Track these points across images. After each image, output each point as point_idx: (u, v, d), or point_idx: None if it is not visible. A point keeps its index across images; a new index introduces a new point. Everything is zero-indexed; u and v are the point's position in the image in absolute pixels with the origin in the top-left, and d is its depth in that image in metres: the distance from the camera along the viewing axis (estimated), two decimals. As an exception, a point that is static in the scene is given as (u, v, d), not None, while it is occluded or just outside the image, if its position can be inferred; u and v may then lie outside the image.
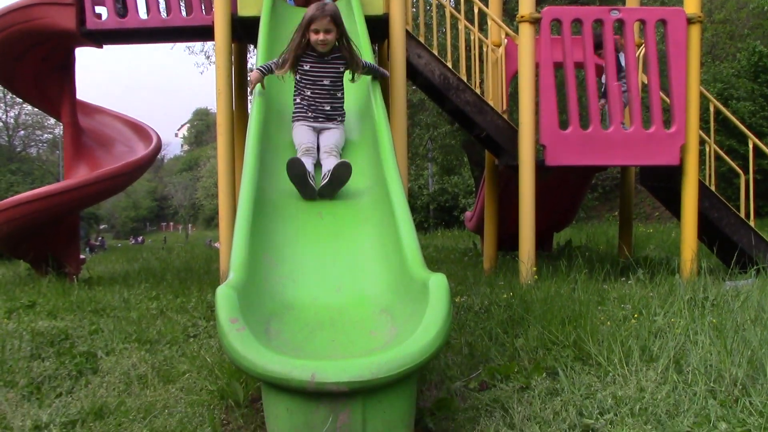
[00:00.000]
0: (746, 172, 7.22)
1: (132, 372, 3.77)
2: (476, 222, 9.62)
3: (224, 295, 2.78)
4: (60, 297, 5.86)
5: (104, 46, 7.60)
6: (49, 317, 5.15)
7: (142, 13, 7.16)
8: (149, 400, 3.36)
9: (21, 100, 29.44)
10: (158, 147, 8.36)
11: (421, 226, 25.15)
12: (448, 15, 7.47)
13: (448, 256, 10.28)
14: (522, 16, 6.29)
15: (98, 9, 7.16)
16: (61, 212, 7.38)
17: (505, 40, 7.76)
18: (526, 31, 6.32)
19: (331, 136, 4.49)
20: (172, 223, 75.62)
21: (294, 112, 4.57)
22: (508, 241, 8.27)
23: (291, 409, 2.49)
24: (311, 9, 4.44)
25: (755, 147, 7.28)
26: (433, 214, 26.51)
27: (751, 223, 6.95)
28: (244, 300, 2.87)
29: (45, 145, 46.65)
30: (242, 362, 2.53)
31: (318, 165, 4.33)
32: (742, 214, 6.96)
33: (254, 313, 2.97)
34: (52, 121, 36.20)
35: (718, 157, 7.56)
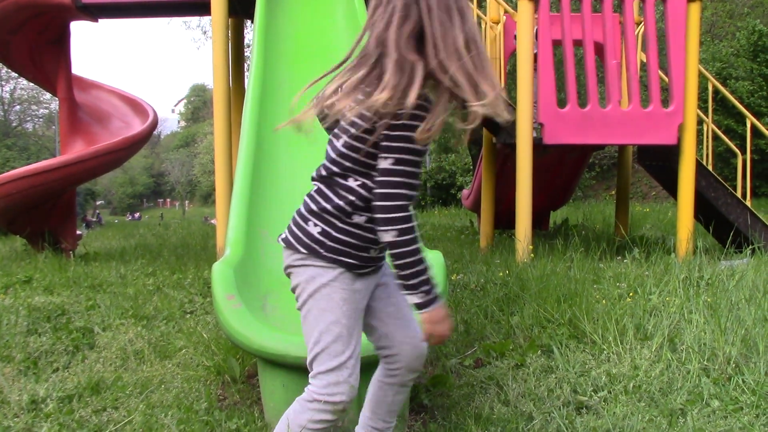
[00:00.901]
0: (744, 152, 7.22)
1: (129, 347, 3.78)
2: (473, 200, 9.62)
3: (220, 272, 2.79)
4: (56, 272, 5.86)
5: (99, 20, 7.54)
6: (45, 293, 5.16)
7: (138, -13, 7.09)
8: (146, 376, 3.38)
9: (17, 75, 29.29)
10: (155, 123, 8.31)
11: (418, 204, 25.18)
12: (446, -9, 7.41)
13: (445, 233, 10.28)
14: (521, -7, 6.26)
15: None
16: (57, 188, 7.35)
17: (504, 17, 7.71)
18: (524, 8, 6.28)
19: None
20: (169, 200, 75.66)
21: (341, 249, 1.99)
22: (504, 220, 8.27)
23: (287, 385, 2.50)
24: None
25: (753, 127, 7.28)
26: (430, 192, 26.50)
27: (748, 203, 6.96)
28: (241, 276, 2.87)
29: (41, 120, 46.47)
30: (238, 338, 2.54)
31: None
32: (739, 194, 6.97)
33: (251, 289, 2.98)
34: (48, 95, 36.07)
35: (715, 137, 7.55)
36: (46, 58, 7.92)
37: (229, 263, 2.90)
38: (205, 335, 3.81)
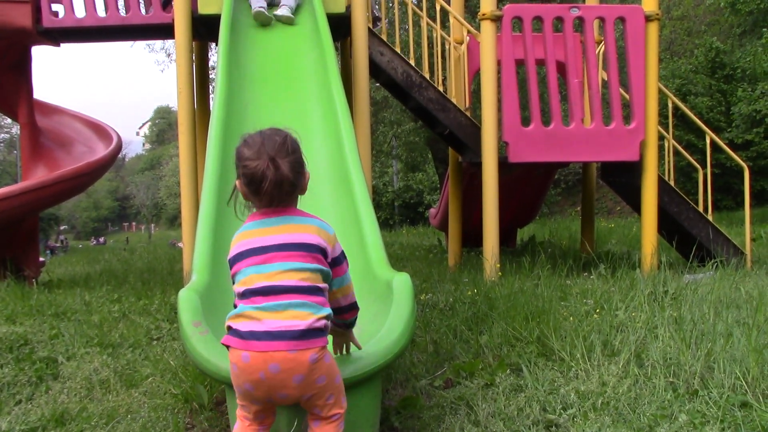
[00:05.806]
0: (704, 167, 7.35)
1: (94, 377, 3.71)
2: (441, 219, 9.66)
3: (186, 299, 2.75)
4: (19, 301, 5.73)
5: (61, 45, 7.47)
6: (7, 322, 5.04)
7: (100, 11, 7.04)
8: (112, 405, 3.32)
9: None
10: (118, 147, 8.24)
11: (386, 223, 25.22)
12: (410, 12, 7.49)
13: (413, 253, 10.30)
14: (483, 14, 6.33)
15: (55, 7, 7.04)
16: (19, 214, 7.23)
17: (467, 38, 7.79)
18: (487, 28, 6.36)
19: None
20: (134, 223, 74.77)
21: None
22: (472, 238, 8.31)
23: (255, 411, 2.47)
24: None
25: (712, 142, 7.41)
26: (398, 211, 26.60)
27: (709, 217, 7.07)
28: (208, 302, 2.84)
29: (2, 145, 45.78)
30: (206, 366, 2.50)
31: None
32: (701, 208, 7.09)
33: (218, 315, 2.94)
34: (9, 120, 35.47)
35: (676, 152, 7.68)
36: (6, 84, 7.81)
37: (195, 289, 2.86)
38: (172, 362, 3.75)
